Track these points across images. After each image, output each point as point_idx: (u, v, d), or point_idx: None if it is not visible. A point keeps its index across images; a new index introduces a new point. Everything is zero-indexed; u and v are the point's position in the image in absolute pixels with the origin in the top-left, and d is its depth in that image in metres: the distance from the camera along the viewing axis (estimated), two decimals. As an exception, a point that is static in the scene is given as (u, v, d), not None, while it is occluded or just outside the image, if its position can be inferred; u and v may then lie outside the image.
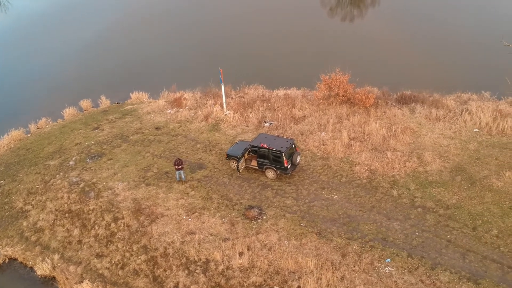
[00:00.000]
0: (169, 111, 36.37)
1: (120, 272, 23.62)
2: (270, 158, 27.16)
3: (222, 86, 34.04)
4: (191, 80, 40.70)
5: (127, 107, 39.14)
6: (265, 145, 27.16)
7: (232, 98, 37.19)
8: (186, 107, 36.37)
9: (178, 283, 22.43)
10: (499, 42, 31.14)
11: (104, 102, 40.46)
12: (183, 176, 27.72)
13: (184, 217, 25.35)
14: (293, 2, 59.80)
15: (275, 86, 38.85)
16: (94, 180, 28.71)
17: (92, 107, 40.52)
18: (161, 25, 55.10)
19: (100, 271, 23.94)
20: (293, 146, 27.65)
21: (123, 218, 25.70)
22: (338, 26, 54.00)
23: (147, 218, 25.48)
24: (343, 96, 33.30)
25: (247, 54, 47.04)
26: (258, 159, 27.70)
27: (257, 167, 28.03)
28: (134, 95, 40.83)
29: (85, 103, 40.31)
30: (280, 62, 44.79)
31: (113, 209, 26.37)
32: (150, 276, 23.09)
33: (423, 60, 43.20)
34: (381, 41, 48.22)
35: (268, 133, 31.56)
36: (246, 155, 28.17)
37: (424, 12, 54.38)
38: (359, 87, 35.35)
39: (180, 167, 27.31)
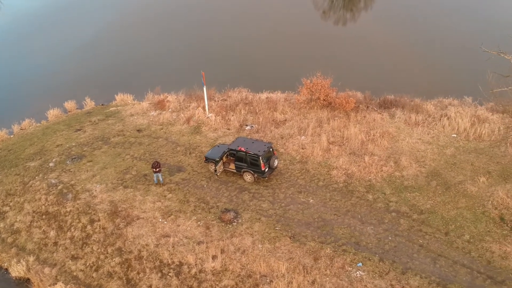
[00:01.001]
0: (152, 113, 36.45)
1: (94, 275, 23.69)
2: (247, 162, 27.29)
3: (205, 89, 34.19)
4: (177, 82, 40.80)
5: (111, 109, 39.19)
6: (242, 149, 27.29)
7: (215, 101, 37.33)
8: (169, 110, 36.47)
9: (151, 286, 22.50)
10: (485, 47, 31.18)
11: (89, 104, 40.51)
12: (161, 179, 27.81)
13: (160, 220, 25.43)
14: (282, 7, 60.00)
15: (260, 90, 39.04)
16: (72, 182, 28.76)
17: (77, 108, 40.54)
18: (149, 28, 55.05)
19: (75, 273, 24.00)
20: (270, 149, 27.79)
21: (99, 220, 25.76)
22: (327, 30, 54.10)
23: (123, 220, 25.55)
24: (324, 100, 33.49)
25: (234, 57, 47.12)
26: (236, 163, 27.83)
27: (235, 171, 28.14)
28: (119, 97, 40.87)
29: (69, 105, 40.33)
30: (267, 65, 44.98)
31: (90, 211, 26.42)
32: (124, 278, 23.16)
33: (409, 65, 43.46)
34: (368, 46, 48.52)
35: (249, 136, 31.71)
36: (224, 158, 28.29)
37: (413, 17, 54.71)
38: (342, 91, 35.59)
39: (157, 169, 27.40)
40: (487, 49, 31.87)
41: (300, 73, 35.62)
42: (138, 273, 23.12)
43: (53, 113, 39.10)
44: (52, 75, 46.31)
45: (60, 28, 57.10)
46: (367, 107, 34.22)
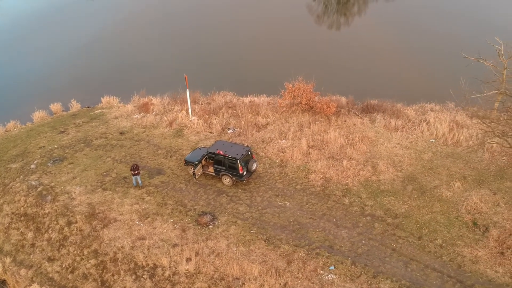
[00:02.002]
0: (136, 116, 36.63)
1: (69, 276, 23.82)
2: (226, 165, 27.49)
3: (187, 92, 34.40)
4: (163, 85, 41.08)
5: (96, 111, 39.37)
6: (221, 152, 27.49)
7: (200, 104, 37.56)
8: (153, 113, 36.66)
9: (125, 288, 22.65)
10: (473, 52, 31.48)
11: (75, 106, 40.72)
12: (139, 181, 27.97)
13: (137, 222, 25.59)
14: (273, 12, 60.38)
15: (246, 93, 39.30)
16: (52, 184, 28.90)
17: (63, 110, 40.75)
18: (139, 33, 55.39)
19: (50, 275, 24.12)
20: (249, 153, 27.99)
21: (76, 222, 25.91)
22: (316, 35, 54.27)
23: (100, 222, 25.69)
24: (306, 104, 33.72)
25: (221, 61, 47.39)
26: (215, 166, 28.03)
27: (214, 174, 28.32)
28: (105, 100, 41.08)
29: (55, 107, 40.55)
30: (254, 69, 45.33)
31: (68, 213, 26.56)
32: (99, 280, 23.30)
33: (395, 70, 43.79)
34: (357, 51, 48.92)
35: (230, 140, 31.91)
36: (203, 162, 28.48)
37: (402, 23, 55.10)
38: (326, 95, 35.88)
39: (136, 172, 27.56)
40: (467, 55, 32.37)
41: (287, 78, 35.81)
42: (113, 275, 23.26)
43: (38, 115, 39.30)
44: (40, 77, 46.54)
45: (51, 32, 57.30)
46: (349, 111, 34.48)
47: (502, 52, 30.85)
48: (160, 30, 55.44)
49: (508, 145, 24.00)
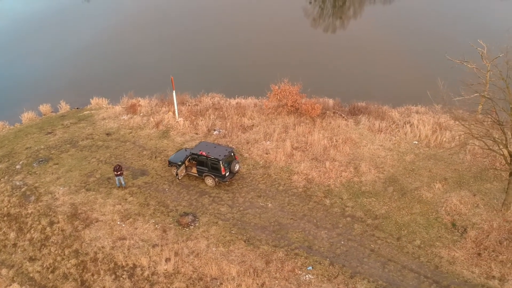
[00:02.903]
0: (123, 117, 36.79)
1: (50, 276, 23.88)
2: (208, 166, 27.65)
3: (174, 94, 34.57)
4: (154, 87, 41.18)
5: (85, 112, 39.53)
6: (203, 153, 27.64)
7: (189, 105, 37.74)
8: (141, 114, 36.81)
9: (104, 287, 22.73)
10: (463, 55, 31.64)
11: (64, 107, 40.85)
12: (123, 182, 28.11)
13: (118, 223, 25.72)
14: (265, 15, 60.72)
15: (235, 95, 39.48)
16: (36, 184, 29.03)
17: (52, 111, 40.87)
18: (131, 35, 55.75)
19: (31, 275, 24.17)
20: (232, 154, 28.14)
21: (58, 222, 26.03)
22: (308, 38, 54.65)
23: (82, 223, 25.82)
24: (291, 106, 33.90)
25: (211, 63, 47.67)
26: (198, 167, 28.18)
27: (197, 175, 28.47)
28: (94, 101, 41.24)
29: (44, 108, 40.69)
30: (244, 72, 45.54)
31: (50, 213, 26.68)
32: (79, 280, 23.37)
33: (385, 72, 43.99)
34: (348, 53, 49.24)
35: (215, 141, 32.07)
36: (186, 163, 28.62)
37: (397, 26, 55.42)
38: (313, 97, 36.09)
39: (119, 173, 27.70)
40: (452, 58, 32.55)
41: (276, 80, 35.95)
42: (93, 275, 23.35)
43: (27, 116, 39.44)
44: (30, 79, 46.72)
45: (44, 34, 57.61)
46: (334, 113, 34.67)
47: (486, 55, 31.03)
48: (152, 33, 55.75)
49: (487, 147, 24.14)
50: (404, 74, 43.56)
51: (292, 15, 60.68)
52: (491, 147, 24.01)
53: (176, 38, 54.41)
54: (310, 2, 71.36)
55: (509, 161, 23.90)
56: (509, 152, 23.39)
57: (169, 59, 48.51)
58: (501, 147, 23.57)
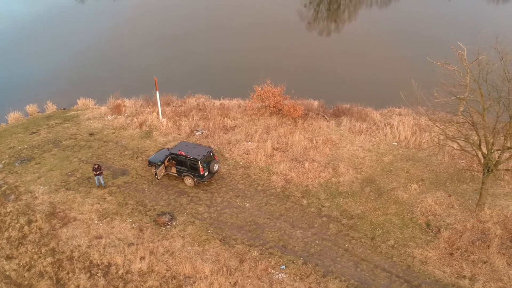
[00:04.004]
0: (108, 117, 36.96)
1: (26, 274, 23.95)
2: (187, 166, 27.82)
3: (157, 94, 34.79)
4: (142, 88, 41.39)
5: (71, 113, 39.69)
6: (182, 153, 27.82)
7: (173, 106, 37.93)
8: (125, 114, 36.99)
9: (78, 286, 22.82)
10: (445, 57, 31.75)
11: (50, 108, 40.99)
12: (102, 182, 28.26)
13: (96, 222, 25.86)
14: (255, 18, 61.07)
15: (222, 96, 39.66)
16: (17, 184, 29.17)
17: (38, 112, 41.01)
18: (123, 37, 56.04)
19: (7, 273, 24.23)
20: (211, 154, 28.32)
21: (36, 221, 26.13)
22: (299, 41, 54.91)
23: (60, 221, 25.97)
24: (274, 107, 34.10)
25: (200, 65, 47.96)
26: (177, 166, 28.35)
27: (176, 174, 28.64)
28: (81, 101, 41.38)
29: (31, 108, 40.81)
30: (233, 73, 45.77)
31: (29, 212, 26.81)
32: (54, 278, 23.44)
33: (371, 74, 44.25)
34: (336, 55, 49.54)
35: (197, 142, 32.25)
36: (166, 162, 28.79)
37: (389, 29, 55.73)
38: (298, 98, 36.34)
39: (98, 172, 27.86)
40: (432, 60, 32.73)
41: (261, 81, 36.12)
42: (68, 273, 23.45)
43: (13, 116, 39.55)
44: (18, 80, 46.81)
45: (35, 36, 57.77)
46: (317, 114, 34.88)
47: (465, 57, 31.21)
48: (143, 36, 56.03)
49: (460, 148, 24.35)
50: (390, 76, 43.81)
51: (285, 19, 60.95)
52: (464, 148, 24.20)
53: (166, 40, 54.69)
54: (305, 6, 71.74)
55: (482, 162, 24.10)
56: (482, 153, 23.60)
57: (158, 61, 48.72)
58: (474, 148, 23.76)
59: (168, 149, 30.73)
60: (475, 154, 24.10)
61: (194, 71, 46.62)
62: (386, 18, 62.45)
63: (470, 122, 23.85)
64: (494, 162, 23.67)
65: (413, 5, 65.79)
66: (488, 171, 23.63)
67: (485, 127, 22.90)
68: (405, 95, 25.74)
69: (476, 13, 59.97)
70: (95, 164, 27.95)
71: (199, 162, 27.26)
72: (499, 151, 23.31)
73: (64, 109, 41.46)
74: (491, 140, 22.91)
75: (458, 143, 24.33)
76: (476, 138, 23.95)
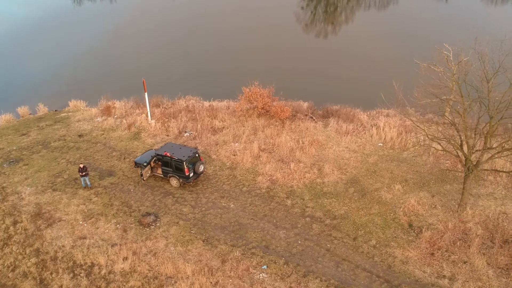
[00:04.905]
0: (98, 119, 37.17)
1: (10, 274, 24.07)
2: (173, 167, 27.99)
3: (146, 96, 34.97)
4: (133, 89, 41.55)
5: (62, 114, 39.91)
6: (168, 154, 27.98)
7: (163, 108, 38.13)
8: (115, 116, 37.19)
9: (62, 286, 22.96)
10: (432, 59, 31.87)
11: (42, 109, 41.22)
12: (88, 183, 28.44)
13: (81, 222, 26.02)
14: (249, 21, 61.36)
15: (212, 98, 39.84)
16: (4, 184, 29.35)
17: (30, 114, 41.23)
18: (117, 36, 56.36)
19: (-8, 273, 24.44)
20: (196, 155, 28.49)
21: (22, 221, 26.30)
22: (292, 42, 55.16)
23: (45, 222, 26.13)
24: (262, 108, 34.28)
25: (192, 67, 48.21)
26: (163, 167, 28.53)
27: (162, 175, 28.80)
28: (72, 103, 41.60)
29: (22, 110, 41.03)
30: (221, 75, 45.96)
31: (15, 212, 26.98)
32: (38, 278, 23.58)
33: (361, 76, 44.41)
34: (328, 57, 49.74)
35: (185, 143, 32.43)
36: (152, 163, 28.97)
37: (384, 31, 55.94)
38: (288, 100, 36.56)
39: (84, 173, 28.03)
40: (419, 61, 32.88)
41: (251, 83, 36.20)
42: (52, 273, 23.59)
43: (4, 118, 39.78)
44: (10, 82, 47.07)
45: (32, 38, 58.13)
46: (306, 115, 35.05)
47: (451, 58, 31.38)
48: (137, 38, 56.40)
49: (441, 148, 24.49)
50: (381, 78, 43.82)
51: (280, 21, 61.17)
52: (446, 149, 24.33)
53: (160, 42, 54.90)
54: (302, 8, 72.02)
55: (464, 163, 24.23)
56: (463, 153, 23.73)
57: (150, 63, 49.00)
58: (455, 148, 23.89)
59: (154, 150, 30.89)
60: (457, 154, 24.23)
61: (186, 73, 46.89)
62: (382, 21, 62.64)
63: (451, 122, 24.02)
64: (474, 163, 23.81)
65: (411, 6, 66.04)
66: (469, 171, 23.76)
67: (465, 128, 23.06)
68: (386, 96, 25.74)
69: (471, 14, 60.18)
70: (81, 165, 28.11)
71: (184, 163, 27.43)
72: (480, 151, 23.44)
73: (55, 111, 41.70)
74: (471, 141, 23.04)
75: (439, 144, 24.45)
76: (457, 139, 24.07)
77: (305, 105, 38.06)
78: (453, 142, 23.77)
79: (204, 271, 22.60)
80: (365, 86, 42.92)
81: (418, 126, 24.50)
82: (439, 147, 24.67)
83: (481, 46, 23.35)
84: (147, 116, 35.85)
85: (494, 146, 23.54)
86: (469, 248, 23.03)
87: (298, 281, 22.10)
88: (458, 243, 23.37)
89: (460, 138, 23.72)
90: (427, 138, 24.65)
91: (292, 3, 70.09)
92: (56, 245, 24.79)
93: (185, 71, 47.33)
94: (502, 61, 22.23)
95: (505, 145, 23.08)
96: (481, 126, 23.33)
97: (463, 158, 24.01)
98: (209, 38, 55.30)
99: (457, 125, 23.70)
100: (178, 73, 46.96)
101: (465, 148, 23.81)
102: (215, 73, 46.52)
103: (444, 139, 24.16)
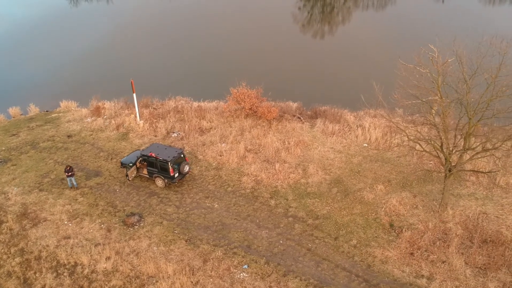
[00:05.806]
0: (87, 119, 37.41)
1: (-6, 274, 24.39)
2: (158, 167, 28.22)
3: (134, 96, 35.21)
4: (124, 90, 41.76)
5: (53, 115, 40.15)
6: (153, 154, 28.22)
7: (153, 108, 38.36)
8: (104, 116, 37.43)
9: (45, 285, 23.20)
10: (416, 59, 31.97)
11: (33, 110, 41.46)
12: (74, 183, 28.69)
13: (65, 222, 26.27)
14: (242, 21, 61.58)
15: (201, 98, 40.03)
16: (-9, 185, 29.62)
17: (21, 114, 41.47)
18: (112, 38, 56.65)
19: (-24, 273, 24.66)
20: (181, 155, 28.72)
21: (7, 221, 26.54)
22: (286, 44, 55.35)
23: (30, 222, 26.37)
24: (250, 109, 34.50)
25: (184, 67, 48.45)
26: (148, 168, 28.76)
27: (148, 176, 29.04)
28: (63, 104, 41.84)
29: (13, 110, 41.27)
30: (212, 75, 46.20)
31: (1, 212, 27.22)
32: (21, 278, 23.82)
33: (354, 77, 44.58)
34: (324, 57, 49.94)
35: (172, 143, 32.65)
36: (138, 164, 29.20)
37: (380, 32, 56.12)
38: (276, 100, 36.77)
39: (70, 173, 28.28)
40: (405, 62, 33.06)
41: (239, 84, 36.40)
42: (35, 272, 23.83)
43: (-5, 119, 40.04)
44: (2, 81, 47.35)
45: (28, 39, 58.41)
46: (293, 115, 35.26)
47: (436, 59, 31.54)
48: (130, 40, 56.69)
49: (422, 149, 24.70)
50: (370, 78, 44.01)
51: (276, 22, 61.40)
52: (425, 149, 24.55)
53: (153, 44, 55.17)
54: (299, 8, 72.22)
55: (444, 163, 24.45)
56: (444, 154, 23.93)
57: (142, 64, 49.22)
58: (435, 149, 24.10)
59: (142, 151, 31.09)
60: (437, 155, 24.45)
61: (177, 74, 47.16)
62: (378, 22, 62.67)
63: (432, 123, 24.22)
64: (454, 164, 24.02)
65: (408, 7, 66.15)
66: (449, 172, 23.97)
67: (445, 128, 23.27)
68: (368, 97, 25.95)
69: (466, 14, 60.30)
70: (67, 166, 28.36)
71: (169, 163, 27.66)
72: (459, 152, 23.65)
73: (47, 111, 41.94)
74: (450, 141, 23.25)
75: (419, 145, 24.66)
76: (438, 140, 24.27)
77: (294, 105, 38.26)
78: (432, 143, 23.98)
79: (186, 271, 22.83)
80: (355, 87, 43.05)
81: (398, 127, 24.69)
82: (418, 148, 24.86)
83: (459, 48, 23.50)
84: (135, 116, 36.08)
85: (474, 147, 23.73)
86: (448, 248, 23.25)
87: (278, 280, 22.33)
88: (438, 243, 23.59)
89: (441, 139, 23.93)
90: (408, 139, 24.83)
91: (289, 3, 70.24)
92: (40, 244, 25.02)
93: (177, 72, 47.71)
94: (480, 63, 22.38)
95: (485, 145, 23.29)
96: (461, 127, 23.55)
97: (443, 158, 24.22)
98: (202, 39, 55.54)
99: (437, 126, 23.90)
100: (169, 73, 47.27)
101: (446, 149, 24.02)
102: (207, 74, 46.77)
103: (424, 140, 24.37)
